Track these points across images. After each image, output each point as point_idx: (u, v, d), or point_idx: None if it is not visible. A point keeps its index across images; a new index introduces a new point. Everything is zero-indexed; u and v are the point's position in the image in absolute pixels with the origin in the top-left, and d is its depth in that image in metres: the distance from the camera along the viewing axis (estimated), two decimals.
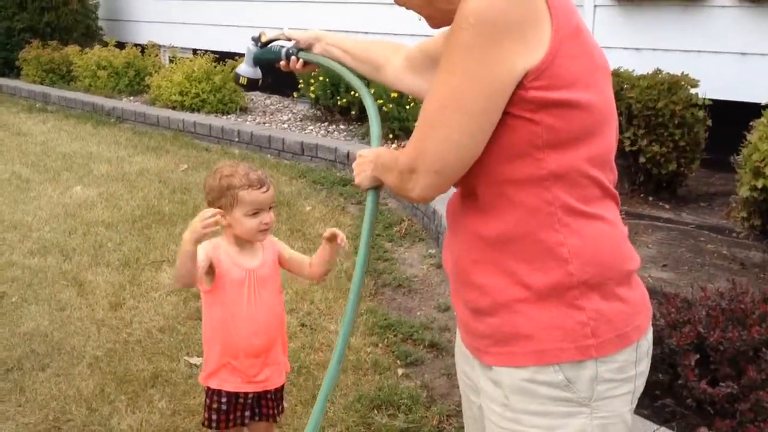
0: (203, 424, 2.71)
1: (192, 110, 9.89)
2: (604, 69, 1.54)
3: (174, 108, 9.99)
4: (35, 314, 4.39)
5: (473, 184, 1.57)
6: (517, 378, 1.53)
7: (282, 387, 2.73)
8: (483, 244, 1.57)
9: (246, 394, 2.62)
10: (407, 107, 7.65)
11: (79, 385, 3.65)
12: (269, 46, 2.37)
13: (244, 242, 2.59)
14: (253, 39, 2.40)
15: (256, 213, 2.52)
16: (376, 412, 3.43)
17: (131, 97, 11.14)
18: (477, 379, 1.70)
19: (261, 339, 2.58)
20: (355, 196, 6.60)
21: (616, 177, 1.61)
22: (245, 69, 2.44)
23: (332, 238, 2.57)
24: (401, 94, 7.74)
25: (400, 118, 7.76)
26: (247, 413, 2.66)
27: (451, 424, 3.36)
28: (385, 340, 4.11)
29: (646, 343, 1.59)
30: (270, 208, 2.57)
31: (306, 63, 2.27)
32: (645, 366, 1.59)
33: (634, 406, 1.60)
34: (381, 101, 7.88)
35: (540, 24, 1.42)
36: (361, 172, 1.86)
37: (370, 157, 1.84)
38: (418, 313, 4.46)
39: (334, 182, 7.01)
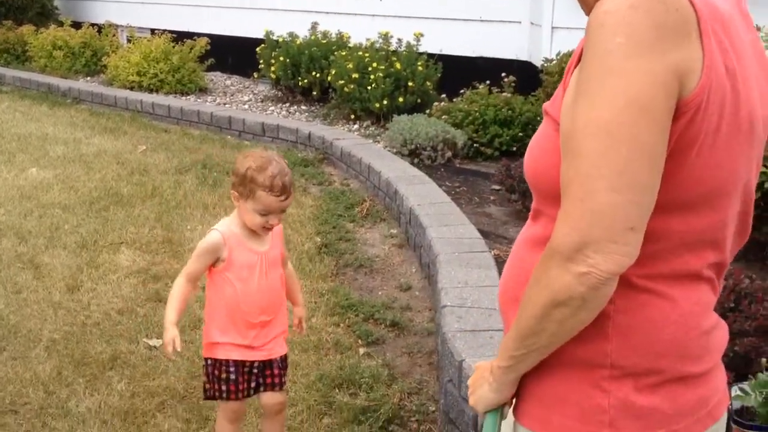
0: (206, 397, 2.77)
1: (150, 91, 9.76)
2: (748, 123, 1.24)
3: (132, 88, 9.85)
4: None
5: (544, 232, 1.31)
6: None
7: (286, 356, 2.80)
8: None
9: (252, 362, 2.68)
10: (369, 87, 7.63)
11: (36, 368, 3.59)
12: None
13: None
14: None
15: (266, 213, 2.54)
16: (337, 390, 3.44)
17: (88, 78, 10.96)
18: None
19: (268, 315, 2.68)
20: (316, 176, 6.59)
21: (723, 259, 1.32)
22: None
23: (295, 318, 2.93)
24: (362, 74, 7.71)
25: (361, 99, 7.73)
26: (254, 384, 2.73)
27: (411, 402, 3.37)
28: (347, 320, 4.11)
29: None
30: (282, 211, 2.62)
31: None
32: None
33: None
34: (342, 81, 7.84)
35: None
36: (476, 389, 1.44)
37: (485, 366, 1.44)
38: (380, 293, 4.47)
39: (296, 163, 6.97)
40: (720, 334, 1.37)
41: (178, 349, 2.60)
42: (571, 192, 1.16)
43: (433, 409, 3.33)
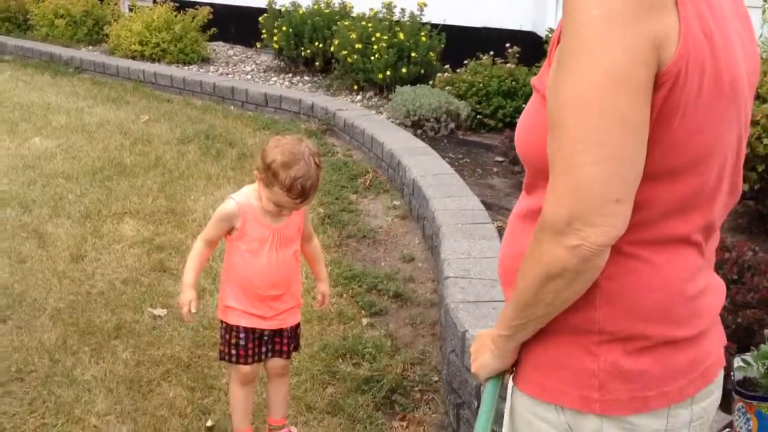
0: (220, 358, 2.80)
1: (152, 60, 9.71)
2: (730, 86, 1.23)
3: (134, 58, 9.80)
4: None
5: (536, 200, 1.32)
6: (522, 404, 1.40)
7: (297, 326, 2.82)
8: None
9: (262, 330, 2.71)
10: (372, 58, 7.58)
11: (41, 336, 3.62)
12: None
13: None
14: None
15: (279, 206, 2.54)
16: (340, 360, 3.46)
17: (90, 47, 10.89)
18: None
19: (279, 290, 2.68)
20: (320, 148, 6.57)
21: (711, 222, 1.33)
22: None
23: (319, 294, 2.96)
24: (365, 44, 7.67)
25: (364, 69, 7.69)
26: (264, 349, 2.75)
27: (414, 372, 3.39)
28: (350, 290, 4.13)
29: (687, 413, 1.33)
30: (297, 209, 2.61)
31: None
32: None
33: None
34: (345, 52, 7.80)
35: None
36: (478, 357, 1.48)
37: (487, 334, 1.47)
38: (383, 264, 4.48)
39: (299, 134, 6.95)
40: (711, 298, 1.38)
41: (193, 311, 2.64)
42: (556, 166, 1.17)
43: (436, 379, 3.36)
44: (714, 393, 1.39)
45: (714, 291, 1.39)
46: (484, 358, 1.45)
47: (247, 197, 2.63)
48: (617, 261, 1.24)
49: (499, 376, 1.45)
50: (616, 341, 1.28)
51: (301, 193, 2.46)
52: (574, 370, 1.31)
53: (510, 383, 1.47)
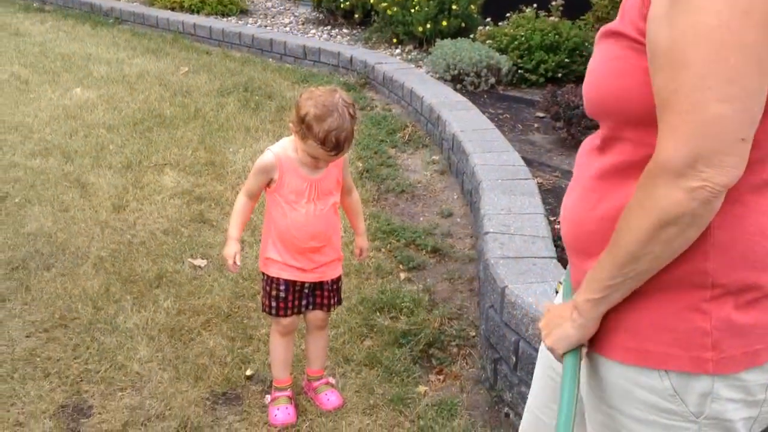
0: (263, 311, 2.83)
1: (191, 11, 9.69)
2: None
3: (173, 9, 9.79)
4: (38, 215, 4.39)
5: (627, 145, 1.28)
6: (616, 373, 1.34)
7: (338, 278, 2.83)
8: (615, 214, 1.28)
9: (303, 283, 2.72)
10: (412, 10, 7.48)
11: (84, 284, 3.68)
12: None
13: None
14: None
15: (315, 158, 2.52)
16: (378, 314, 3.47)
17: None
18: None
19: (319, 242, 2.68)
20: (358, 101, 6.53)
21: None
22: None
23: (356, 248, 2.95)
24: None
25: (404, 22, 7.60)
26: (304, 302, 2.77)
27: (452, 326, 3.40)
28: (388, 245, 4.13)
29: None
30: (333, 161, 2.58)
31: None
32: None
33: None
34: (385, 4, 7.70)
35: None
36: (553, 330, 1.40)
37: (564, 307, 1.40)
38: (421, 219, 4.47)
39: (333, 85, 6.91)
40: None
41: (238, 263, 2.66)
42: (675, 105, 1.13)
43: (473, 334, 3.36)
44: None
45: None
46: (562, 330, 1.38)
47: (284, 149, 2.61)
48: (725, 208, 1.19)
49: (578, 348, 1.37)
50: (728, 295, 1.24)
51: (335, 145, 2.43)
52: (680, 330, 1.26)
53: (585, 361, 1.41)
